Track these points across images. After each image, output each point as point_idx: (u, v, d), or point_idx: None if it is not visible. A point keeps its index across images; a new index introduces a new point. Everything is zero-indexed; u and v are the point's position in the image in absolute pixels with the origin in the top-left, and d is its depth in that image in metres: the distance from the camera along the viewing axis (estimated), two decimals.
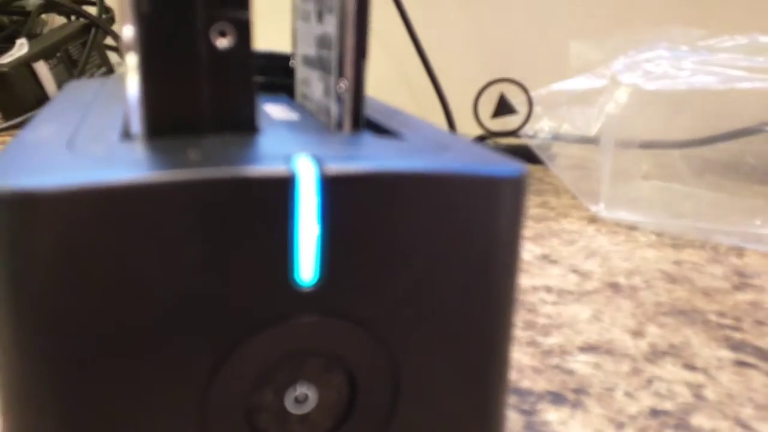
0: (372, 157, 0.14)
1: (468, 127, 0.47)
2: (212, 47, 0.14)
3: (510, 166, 0.15)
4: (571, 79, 0.39)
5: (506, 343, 0.16)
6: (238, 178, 0.12)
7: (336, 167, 0.13)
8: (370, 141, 0.16)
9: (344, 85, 0.18)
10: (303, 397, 0.14)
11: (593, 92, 0.39)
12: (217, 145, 0.14)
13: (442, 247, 0.14)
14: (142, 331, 0.12)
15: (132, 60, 0.14)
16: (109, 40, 0.68)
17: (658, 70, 0.38)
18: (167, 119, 0.14)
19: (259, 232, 0.12)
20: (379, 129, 0.18)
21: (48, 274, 0.11)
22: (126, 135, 0.15)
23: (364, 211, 0.13)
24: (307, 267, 0.13)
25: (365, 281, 0.13)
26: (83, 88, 0.23)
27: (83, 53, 0.64)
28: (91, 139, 0.14)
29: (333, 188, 0.13)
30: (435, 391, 0.15)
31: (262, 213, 0.12)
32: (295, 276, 0.13)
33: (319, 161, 0.13)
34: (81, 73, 0.63)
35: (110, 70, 0.67)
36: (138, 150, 0.13)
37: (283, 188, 0.12)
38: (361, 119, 0.18)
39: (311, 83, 0.21)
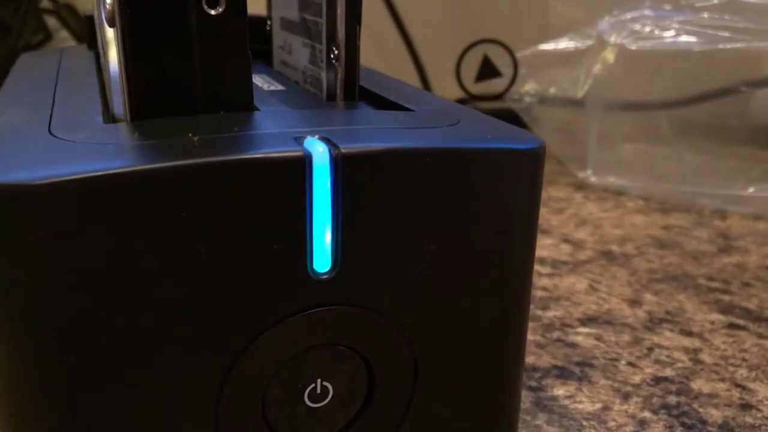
0: (385, 134, 0.14)
1: (450, 91, 0.48)
2: (204, 14, 0.14)
3: (528, 138, 0.15)
4: (556, 39, 0.40)
5: (524, 322, 0.17)
6: (248, 162, 0.12)
7: (352, 147, 0.13)
8: (375, 115, 0.16)
9: (336, 52, 0.17)
10: (321, 390, 0.14)
11: (579, 53, 0.40)
12: (216, 126, 0.13)
13: (460, 226, 0.14)
14: (150, 332, 0.12)
15: (113, 32, 0.13)
16: (45, 3, 0.65)
17: (644, 30, 0.39)
18: (156, 98, 0.14)
19: (274, 219, 0.12)
20: (375, 99, 0.18)
21: (49, 274, 0.11)
22: (110, 117, 0.14)
23: (381, 192, 0.13)
24: (323, 254, 0.13)
25: (383, 267, 0.14)
26: (39, 63, 0.22)
27: (16, 18, 0.62)
28: (72, 123, 0.14)
29: (349, 169, 0.13)
30: (452, 376, 0.16)
31: (277, 199, 0.12)
32: (313, 264, 0.13)
33: (333, 141, 0.13)
34: (16, 41, 0.61)
35: (48, 37, 0.64)
36: (130, 135, 0.13)
37: (297, 171, 0.12)
38: (356, 89, 0.18)
39: (293, 50, 0.21)
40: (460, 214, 0.14)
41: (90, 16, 0.24)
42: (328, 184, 0.13)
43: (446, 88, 0.47)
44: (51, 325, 0.12)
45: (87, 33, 0.24)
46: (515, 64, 0.41)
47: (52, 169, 0.11)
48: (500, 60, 0.42)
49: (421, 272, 0.14)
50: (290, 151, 0.12)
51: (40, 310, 0.11)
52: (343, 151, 0.13)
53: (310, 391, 0.14)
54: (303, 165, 0.12)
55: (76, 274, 0.11)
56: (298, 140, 0.13)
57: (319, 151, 0.12)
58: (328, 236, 0.13)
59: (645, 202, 0.41)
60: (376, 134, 0.14)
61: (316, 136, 0.13)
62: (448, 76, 0.45)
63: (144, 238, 0.12)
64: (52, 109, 0.15)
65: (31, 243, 0.11)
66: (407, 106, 0.17)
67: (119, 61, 0.13)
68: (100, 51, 0.20)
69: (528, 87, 0.41)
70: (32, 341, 0.12)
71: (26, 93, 0.17)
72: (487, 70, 0.42)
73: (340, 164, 0.13)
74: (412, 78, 0.54)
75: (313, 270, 0.13)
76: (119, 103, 0.14)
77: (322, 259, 0.13)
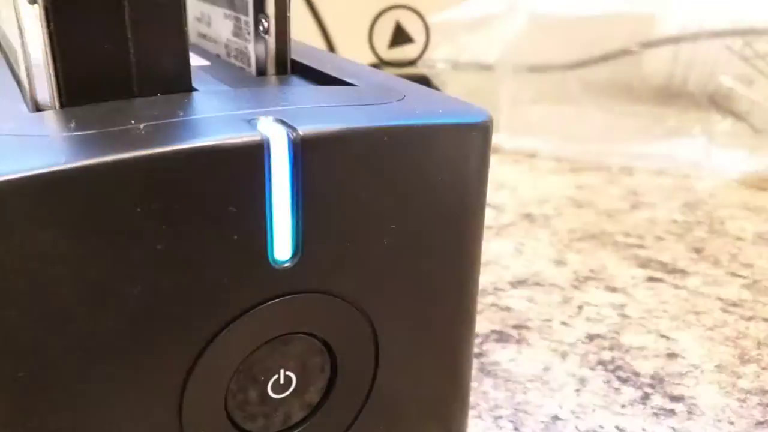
0: (340, 113, 0.14)
1: (362, 58, 0.47)
2: None
3: (475, 111, 0.15)
4: (467, 4, 0.41)
5: (475, 296, 0.17)
6: (203, 150, 0.11)
7: (309, 128, 0.12)
8: (320, 91, 0.16)
9: (266, 24, 0.17)
10: (284, 380, 0.14)
11: (490, 18, 0.41)
12: (158, 111, 0.13)
13: (417, 203, 0.14)
14: (108, 333, 0.11)
15: (34, 9, 0.12)
16: None
17: None
18: (87, 82, 0.13)
19: (233, 208, 0.12)
20: (309, 73, 0.17)
21: None
22: (33, 105, 0.13)
23: (339, 173, 0.13)
24: (284, 242, 0.13)
25: (343, 251, 0.13)
26: None
27: None
28: None
29: (308, 152, 0.12)
30: (410, 354, 0.16)
31: (235, 187, 0.12)
32: (274, 253, 0.13)
33: (289, 123, 0.12)
34: None
35: None
36: (65, 124, 0.12)
37: (255, 156, 0.12)
38: (288, 63, 0.17)
39: (213, 21, 0.21)
40: (416, 191, 0.14)
41: None
42: (287, 169, 0.12)
43: (358, 55, 0.46)
44: (3, 335, 0.11)
45: None
46: (427, 30, 0.41)
47: None
48: (412, 26, 0.42)
49: (380, 253, 0.14)
50: (247, 136, 0.12)
51: None
52: (301, 133, 0.12)
53: (273, 382, 0.14)
54: (261, 150, 0.12)
55: (21, 280, 0.10)
56: (251, 123, 0.12)
57: (276, 135, 0.12)
58: (287, 223, 0.13)
59: (557, 162, 0.42)
60: (331, 114, 0.13)
61: (271, 118, 0.12)
62: (361, 42, 0.44)
63: (96, 237, 0.11)
64: None
65: None
66: (348, 80, 0.17)
67: (43, 43, 0.12)
68: (3, 30, 0.19)
69: (440, 53, 0.41)
70: None
71: None
72: (400, 37, 0.42)
73: (299, 147, 0.12)
74: (318, 45, 0.53)
75: (274, 259, 0.13)
76: (44, 89, 0.13)
77: (282, 247, 0.13)
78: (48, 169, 0.10)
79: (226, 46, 0.20)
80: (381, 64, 0.45)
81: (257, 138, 0.12)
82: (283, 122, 0.12)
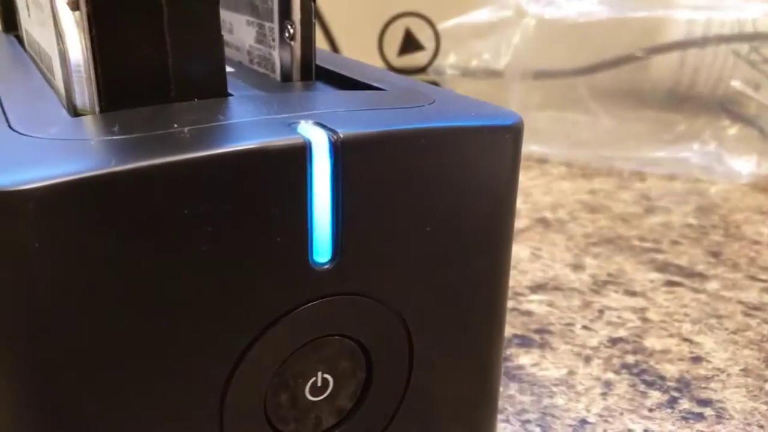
0: (378, 116, 0.14)
1: (372, 65, 0.48)
2: None
3: (506, 113, 0.15)
4: (476, 11, 0.41)
5: (506, 299, 0.17)
6: (249, 153, 0.11)
7: (349, 131, 0.12)
8: (351, 96, 0.16)
9: (291, 30, 0.17)
10: (322, 383, 0.14)
11: (499, 24, 0.41)
12: (197, 115, 0.13)
13: (452, 206, 0.14)
14: (152, 335, 0.11)
15: (76, 16, 0.12)
16: None
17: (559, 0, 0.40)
18: (126, 87, 0.13)
19: (276, 211, 0.12)
20: (333, 79, 0.18)
21: (43, 284, 0.10)
22: (72, 109, 0.13)
23: (377, 176, 0.13)
24: (324, 244, 0.13)
25: (381, 253, 0.14)
26: None
27: None
28: (35, 118, 0.13)
29: (348, 154, 0.12)
30: (443, 357, 0.16)
31: (278, 189, 0.12)
32: (314, 255, 0.13)
33: (330, 126, 0.12)
34: None
35: None
36: (108, 128, 0.12)
37: (298, 159, 0.12)
38: (313, 69, 0.17)
39: (235, 28, 0.21)
40: (451, 193, 0.14)
41: None
42: (328, 171, 0.12)
43: (368, 62, 0.47)
44: (49, 336, 0.11)
45: (2, 15, 0.22)
46: (437, 37, 0.41)
47: (37, 171, 0.10)
48: (422, 33, 0.42)
49: (415, 255, 0.14)
50: (289, 139, 0.12)
51: (35, 322, 0.11)
52: (341, 135, 0.12)
53: (311, 384, 0.14)
54: (303, 152, 0.12)
55: (73, 281, 0.10)
56: (292, 126, 0.12)
57: (317, 137, 0.12)
58: (327, 225, 0.13)
59: (567, 168, 0.42)
60: (368, 117, 0.13)
61: (311, 122, 0.13)
62: (371, 50, 0.44)
63: (143, 240, 0.11)
64: (1, 103, 0.13)
65: (20, 254, 0.10)
66: (375, 85, 0.17)
67: (84, 48, 0.12)
68: (24, 35, 0.19)
69: (450, 60, 0.41)
70: (30, 355, 0.11)
71: None
72: (410, 44, 0.42)
73: (339, 150, 0.12)
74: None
75: (314, 261, 0.13)
76: (83, 94, 0.13)
77: (322, 250, 0.13)
78: (97, 172, 0.10)
79: (249, 53, 0.20)
80: (391, 71, 0.45)
81: (300, 141, 0.12)
82: (323, 125, 0.12)
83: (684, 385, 0.21)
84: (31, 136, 0.11)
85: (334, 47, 0.53)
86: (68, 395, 0.11)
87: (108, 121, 0.12)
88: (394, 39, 0.43)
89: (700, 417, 0.20)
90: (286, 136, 0.12)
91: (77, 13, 0.12)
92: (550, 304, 0.26)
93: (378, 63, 0.45)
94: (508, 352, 0.23)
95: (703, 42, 0.44)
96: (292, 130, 0.12)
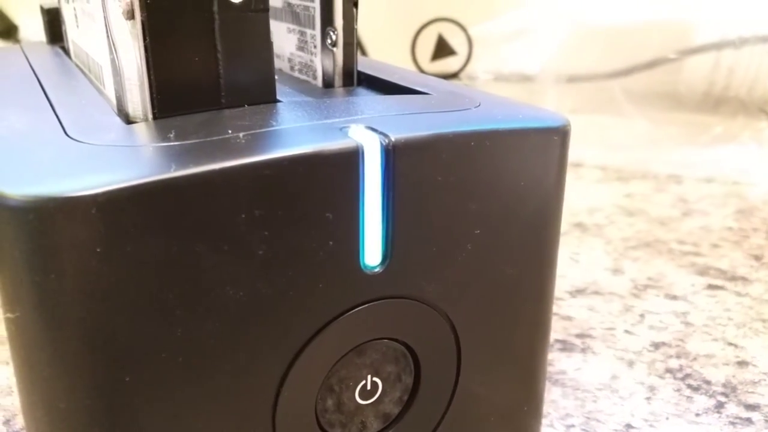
0: (427, 120, 0.14)
1: None
2: (226, 3, 0.13)
3: (553, 115, 0.15)
4: (509, 15, 0.41)
5: (551, 303, 0.17)
6: (304, 157, 0.11)
7: (401, 135, 0.12)
8: (397, 100, 0.16)
9: (334, 37, 0.17)
10: (371, 386, 0.14)
11: (531, 28, 0.41)
12: (250, 121, 0.13)
13: (501, 208, 0.14)
14: (209, 338, 0.12)
15: (130, 26, 0.12)
16: None
17: (593, 2, 0.40)
18: (179, 94, 0.13)
19: (329, 214, 0.12)
20: (375, 84, 0.18)
21: (106, 287, 0.10)
22: (125, 117, 0.13)
23: (428, 179, 0.13)
24: (375, 248, 0.13)
25: (430, 256, 0.14)
26: (3, 62, 0.21)
27: None
28: (90, 125, 0.13)
29: (400, 158, 0.12)
30: (490, 360, 0.16)
31: (331, 193, 0.12)
32: (365, 259, 0.13)
33: (381, 131, 0.12)
34: None
35: None
36: (163, 134, 0.12)
37: (351, 163, 0.12)
38: (354, 75, 0.17)
39: (275, 36, 0.21)
40: (500, 196, 0.14)
41: (51, 8, 0.22)
42: (379, 175, 0.12)
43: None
44: (111, 339, 0.11)
45: (48, 27, 0.22)
46: (470, 42, 0.41)
47: (97, 178, 0.10)
48: (455, 38, 0.42)
49: (464, 258, 0.14)
50: (342, 143, 0.12)
51: (97, 325, 0.11)
52: (393, 139, 0.12)
53: (360, 387, 0.14)
54: (356, 156, 0.12)
55: (134, 285, 0.11)
56: (343, 131, 0.12)
57: (369, 141, 0.12)
58: (378, 229, 0.13)
59: (603, 171, 0.42)
60: (417, 121, 0.14)
61: (362, 126, 0.13)
62: (403, 56, 0.44)
63: (202, 243, 0.11)
64: (55, 112, 0.14)
65: (83, 258, 0.10)
66: (419, 89, 0.17)
67: (139, 57, 0.13)
68: (71, 46, 0.19)
69: (483, 64, 0.41)
70: (90, 356, 0.11)
71: (9, 95, 0.16)
72: (442, 49, 0.42)
73: (391, 154, 0.12)
74: None
75: (365, 264, 0.13)
76: (136, 101, 0.13)
77: (373, 253, 0.13)
78: (157, 177, 0.10)
79: (290, 60, 0.20)
80: None
81: (353, 145, 0.12)
82: (374, 129, 0.13)
83: (730, 389, 0.21)
84: (88, 143, 0.12)
85: (365, 54, 0.53)
86: (132, 397, 0.11)
87: (162, 127, 0.12)
88: (426, 45, 0.43)
89: (749, 422, 0.20)
90: (339, 140, 0.12)
91: (131, 22, 0.12)
92: (591, 309, 0.26)
93: (411, 68, 0.45)
94: (550, 356, 0.23)
95: (740, 43, 0.44)
96: (344, 134, 0.12)
